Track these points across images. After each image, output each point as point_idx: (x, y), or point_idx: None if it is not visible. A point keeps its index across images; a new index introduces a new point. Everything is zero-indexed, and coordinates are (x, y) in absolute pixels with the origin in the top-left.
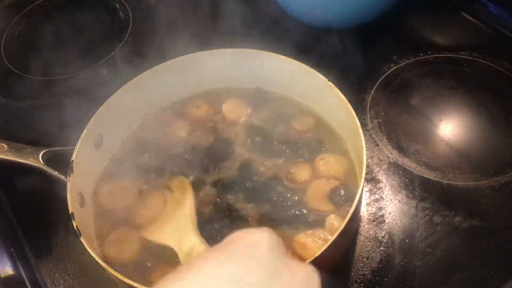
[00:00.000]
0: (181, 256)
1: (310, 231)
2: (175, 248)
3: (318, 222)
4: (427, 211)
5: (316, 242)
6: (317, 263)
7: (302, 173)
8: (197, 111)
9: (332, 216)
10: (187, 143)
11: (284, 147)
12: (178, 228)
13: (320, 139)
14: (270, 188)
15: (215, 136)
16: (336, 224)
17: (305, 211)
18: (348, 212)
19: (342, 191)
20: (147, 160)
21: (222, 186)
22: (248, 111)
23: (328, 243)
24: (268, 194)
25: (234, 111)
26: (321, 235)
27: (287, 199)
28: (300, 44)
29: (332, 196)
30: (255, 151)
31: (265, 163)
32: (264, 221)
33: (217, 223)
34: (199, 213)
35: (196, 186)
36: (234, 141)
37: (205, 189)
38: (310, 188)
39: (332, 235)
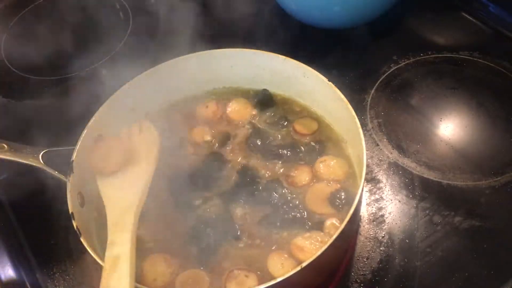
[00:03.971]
0: (107, 254)
1: (307, 234)
2: (109, 233)
3: (318, 225)
4: (427, 211)
5: (314, 244)
6: (318, 262)
7: (302, 176)
8: (200, 112)
9: (331, 218)
10: (189, 144)
11: (285, 150)
12: (122, 201)
13: (321, 142)
14: (271, 191)
15: (218, 138)
16: (335, 226)
17: (304, 214)
18: (348, 213)
19: (342, 194)
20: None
21: (224, 192)
22: (253, 112)
23: (330, 242)
24: (268, 197)
25: (239, 113)
26: (319, 238)
27: (287, 202)
28: (300, 44)
29: (332, 199)
30: (256, 154)
31: (266, 166)
32: (263, 224)
33: (212, 229)
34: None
35: (199, 193)
36: (237, 144)
37: (204, 197)
38: (310, 191)
39: (330, 237)
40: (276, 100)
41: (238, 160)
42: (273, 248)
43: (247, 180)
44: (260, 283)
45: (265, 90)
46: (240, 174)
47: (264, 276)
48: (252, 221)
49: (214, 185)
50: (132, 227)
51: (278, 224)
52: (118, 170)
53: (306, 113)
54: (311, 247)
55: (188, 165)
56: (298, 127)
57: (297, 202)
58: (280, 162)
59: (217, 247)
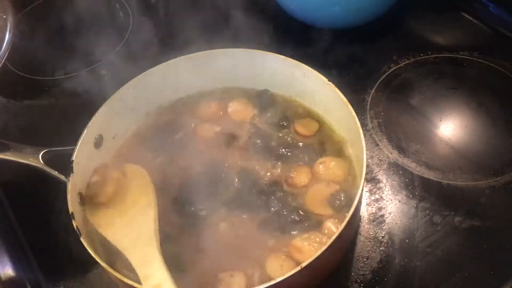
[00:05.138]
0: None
1: (306, 235)
2: (135, 265)
3: (317, 226)
4: (427, 211)
5: (313, 245)
6: (318, 262)
7: (301, 177)
8: (201, 112)
9: (331, 219)
10: (189, 145)
11: (285, 150)
12: (137, 237)
13: (321, 143)
14: (271, 193)
15: (223, 139)
16: (334, 227)
17: (304, 215)
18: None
19: (341, 195)
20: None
21: (227, 198)
22: (253, 113)
23: (330, 242)
24: (267, 199)
25: (239, 113)
26: (317, 239)
27: (286, 203)
28: (300, 44)
29: (332, 200)
30: (257, 154)
31: (266, 167)
32: (263, 226)
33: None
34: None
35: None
36: (238, 144)
37: (209, 207)
38: (309, 192)
39: (330, 238)
40: (277, 100)
41: (239, 163)
42: (272, 250)
43: (248, 183)
44: (251, 281)
45: (266, 90)
46: (241, 177)
47: (263, 277)
48: (252, 224)
49: (217, 192)
50: (158, 254)
51: (277, 226)
52: (110, 203)
53: (306, 114)
54: (309, 248)
55: (188, 174)
56: (299, 128)
57: (296, 204)
58: (280, 163)
59: (217, 251)
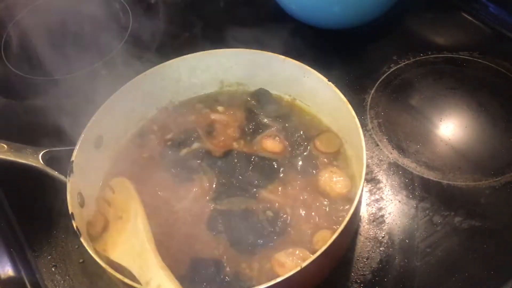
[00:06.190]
0: None
1: (290, 250)
2: (138, 277)
3: (303, 242)
4: (427, 211)
5: (296, 261)
6: (319, 262)
7: (298, 189)
8: (199, 114)
9: (323, 230)
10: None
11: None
12: (134, 249)
13: (316, 156)
14: (264, 208)
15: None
16: (327, 237)
17: (290, 230)
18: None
19: (338, 206)
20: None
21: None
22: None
23: (330, 241)
24: (262, 214)
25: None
26: (301, 254)
27: (278, 217)
28: (300, 44)
29: (324, 213)
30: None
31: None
32: (256, 244)
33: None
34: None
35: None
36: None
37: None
38: (304, 205)
39: (321, 247)
40: (277, 100)
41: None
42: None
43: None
44: None
45: (266, 90)
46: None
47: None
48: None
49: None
50: (154, 258)
51: (264, 240)
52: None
53: (306, 114)
54: (292, 264)
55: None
56: (319, 144)
57: (290, 218)
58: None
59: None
